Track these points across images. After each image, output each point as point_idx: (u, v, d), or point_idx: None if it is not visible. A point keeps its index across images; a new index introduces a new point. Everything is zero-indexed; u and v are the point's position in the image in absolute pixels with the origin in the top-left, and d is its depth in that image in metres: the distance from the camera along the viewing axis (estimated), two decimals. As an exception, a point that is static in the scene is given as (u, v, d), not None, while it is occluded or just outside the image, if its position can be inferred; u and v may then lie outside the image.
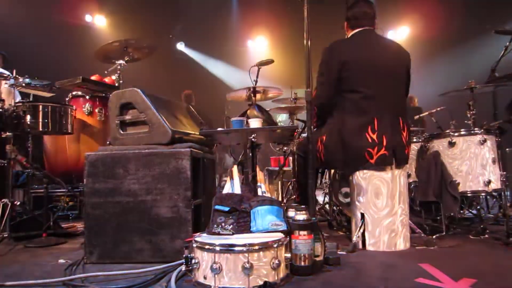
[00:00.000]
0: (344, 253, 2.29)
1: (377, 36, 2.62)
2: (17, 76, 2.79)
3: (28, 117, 2.93)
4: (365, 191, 2.43)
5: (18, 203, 2.88)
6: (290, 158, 4.26)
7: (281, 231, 1.90)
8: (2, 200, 2.82)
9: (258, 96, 3.38)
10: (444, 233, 2.60)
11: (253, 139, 2.23)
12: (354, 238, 2.40)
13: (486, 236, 2.61)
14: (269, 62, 3.49)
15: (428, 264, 1.98)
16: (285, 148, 3.25)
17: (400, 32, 6.93)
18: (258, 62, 3.55)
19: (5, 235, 2.72)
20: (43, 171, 2.95)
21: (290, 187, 3.59)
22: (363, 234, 2.42)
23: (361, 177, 2.45)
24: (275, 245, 1.74)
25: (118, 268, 2.11)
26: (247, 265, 1.65)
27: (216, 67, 8.08)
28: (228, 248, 1.68)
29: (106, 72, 3.22)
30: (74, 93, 3.41)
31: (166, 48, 7.47)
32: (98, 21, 7.06)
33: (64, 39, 5.98)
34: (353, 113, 2.46)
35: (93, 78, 3.09)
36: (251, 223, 1.97)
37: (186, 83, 7.03)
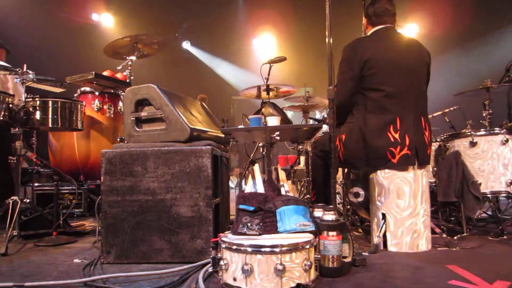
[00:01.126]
0: (366, 253, 2.25)
1: (398, 33, 2.58)
2: (27, 71, 2.71)
3: (38, 113, 2.86)
4: (386, 191, 2.40)
5: (28, 200, 2.80)
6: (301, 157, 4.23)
7: (309, 232, 1.86)
8: (12, 198, 2.73)
9: (267, 94, 3.32)
10: (465, 234, 2.57)
11: (276, 137, 2.18)
12: (376, 239, 2.37)
13: (505, 237, 2.59)
14: (281, 59, 3.43)
15: (456, 266, 1.95)
16: (300, 146, 3.20)
17: (408, 30, 6.88)
18: (269, 59, 3.49)
19: (14, 233, 2.63)
20: (53, 168, 2.87)
21: (302, 187, 3.54)
22: (384, 235, 2.38)
23: (383, 176, 2.42)
24: (307, 246, 1.69)
25: (138, 268, 2.06)
26: (280, 267, 1.60)
27: (221, 66, 8.02)
28: (260, 249, 1.63)
29: (118, 68, 3.15)
30: (82, 89, 3.33)
31: (172, 46, 7.39)
32: (105, 20, 7.09)
33: (72, 37, 6.01)
34: (374, 112, 2.42)
35: (105, 73, 3.01)
36: (278, 223, 1.92)
37: (191, 82, 6.97)
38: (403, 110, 2.40)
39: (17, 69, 2.68)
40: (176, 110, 2.42)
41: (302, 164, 4.47)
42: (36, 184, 3.55)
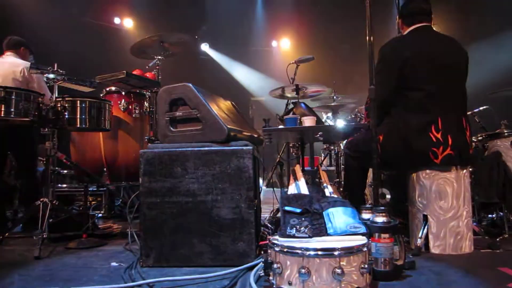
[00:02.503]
0: (410, 256, 2.20)
1: (435, 32, 2.54)
2: (58, 70, 2.67)
3: (66, 113, 2.81)
4: (428, 192, 2.35)
5: (57, 202, 2.75)
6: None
7: (361, 234, 1.81)
8: (41, 199, 2.69)
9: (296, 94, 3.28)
10: (506, 235, 2.52)
11: (320, 138, 2.14)
12: (418, 241, 2.31)
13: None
14: (309, 59, 3.40)
15: (508, 268, 1.91)
16: (331, 147, 3.15)
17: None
18: (297, 59, 3.46)
19: (44, 236, 2.58)
20: (84, 169, 2.83)
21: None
22: (426, 237, 2.33)
23: (424, 177, 2.37)
24: (364, 249, 1.65)
25: (180, 272, 2.01)
26: (339, 271, 1.56)
27: (239, 69, 8.01)
28: (318, 252, 1.59)
29: (147, 67, 3.11)
30: (108, 88, 3.29)
31: (191, 48, 7.43)
32: (127, 24, 7.31)
33: (95, 40, 6.19)
34: (415, 112, 2.37)
35: (134, 73, 2.96)
36: (327, 225, 1.87)
37: (209, 83, 6.97)
38: (445, 110, 2.35)
39: (48, 68, 2.64)
40: (213, 110, 2.38)
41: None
42: (64, 186, 3.51)
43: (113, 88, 3.28)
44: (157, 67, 3.11)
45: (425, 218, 2.35)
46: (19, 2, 5.61)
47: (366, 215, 1.97)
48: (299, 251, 1.61)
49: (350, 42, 6.54)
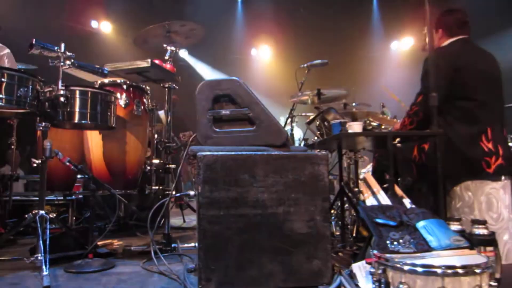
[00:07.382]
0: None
1: (475, 44, 2.59)
2: (65, 52, 2.15)
3: (64, 105, 2.29)
4: (478, 202, 2.35)
5: (54, 215, 2.21)
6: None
7: (465, 248, 1.70)
8: (34, 212, 2.13)
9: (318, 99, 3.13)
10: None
11: (398, 144, 2.00)
12: (473, 252, 2.29)
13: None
14: (324, 63, 3.28)
15: None
16: (359, 155, 3.04)
17: (404, 43, 7.07)
18: (309, 63, 3.32)
19: (40, 258, 2.02)
20: (92, 176, 2.31)
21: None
22: (476, 247, 2.32)
23: (472, 187, 2.37)
24: (493, 264, 1.53)
25: (256, 298, 1.70)
26: (481, 290, 1.42)
27: (218, 77, 7.67)
28: (459, 271, 1.43)
29: (165, 58, 2.67)
30: (100, 81, 2.76)
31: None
32: (104, 27, 6.82)
33: (71, 43, 5.58)
34: (465, 121, 2.37)
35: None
36: (427, 239, 1.73)
37: (188, 90, 6.47)
38: (493, 120, 2.38)
39: (55, 48, 2.12)
40: (268, 110, 2.11)
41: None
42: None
43: (106, 81, 2.76)
44: (170, 59, 2.70)
45: (475, 228, 2.34)
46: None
47: (454, 227, 1.87)
48: (438, 270, 1.43)
49: (333, 48, 6.62)
